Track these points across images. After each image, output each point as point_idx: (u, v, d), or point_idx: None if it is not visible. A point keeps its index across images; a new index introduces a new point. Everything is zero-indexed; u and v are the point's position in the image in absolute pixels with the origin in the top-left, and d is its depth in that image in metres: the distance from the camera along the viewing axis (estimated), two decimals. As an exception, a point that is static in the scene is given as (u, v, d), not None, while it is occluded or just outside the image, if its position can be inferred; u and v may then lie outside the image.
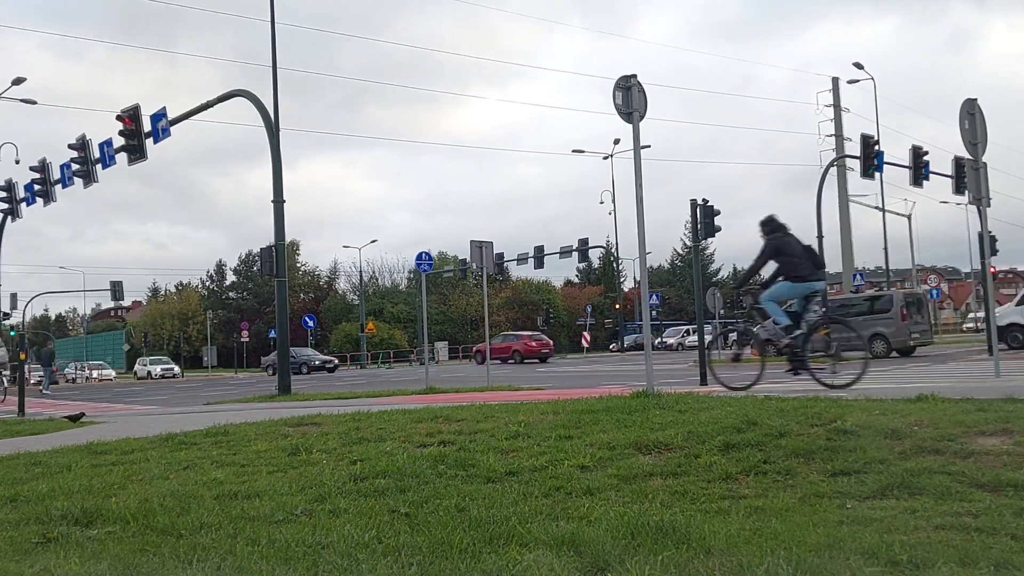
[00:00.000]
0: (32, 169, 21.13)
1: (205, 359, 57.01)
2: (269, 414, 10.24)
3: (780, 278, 10.26)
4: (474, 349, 46.93)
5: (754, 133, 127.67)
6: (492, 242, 19.70)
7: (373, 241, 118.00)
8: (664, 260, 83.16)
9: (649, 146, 46.38)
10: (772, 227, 10.39)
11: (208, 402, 17.89)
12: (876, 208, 45.17)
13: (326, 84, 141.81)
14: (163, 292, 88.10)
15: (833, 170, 34.68)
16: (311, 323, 49.33)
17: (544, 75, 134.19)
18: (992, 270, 19.03)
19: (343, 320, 69.02)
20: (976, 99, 12.66)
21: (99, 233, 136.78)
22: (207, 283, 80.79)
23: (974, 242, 40.12)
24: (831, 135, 41.90)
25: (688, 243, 68.16)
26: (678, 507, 4.42)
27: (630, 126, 10.25)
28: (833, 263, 50.45)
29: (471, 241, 19.48)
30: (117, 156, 19.20)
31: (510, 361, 41.36)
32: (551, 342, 44.90)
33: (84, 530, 4.47)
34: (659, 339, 55.87)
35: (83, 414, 12.50)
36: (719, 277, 75.39)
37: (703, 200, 19.84)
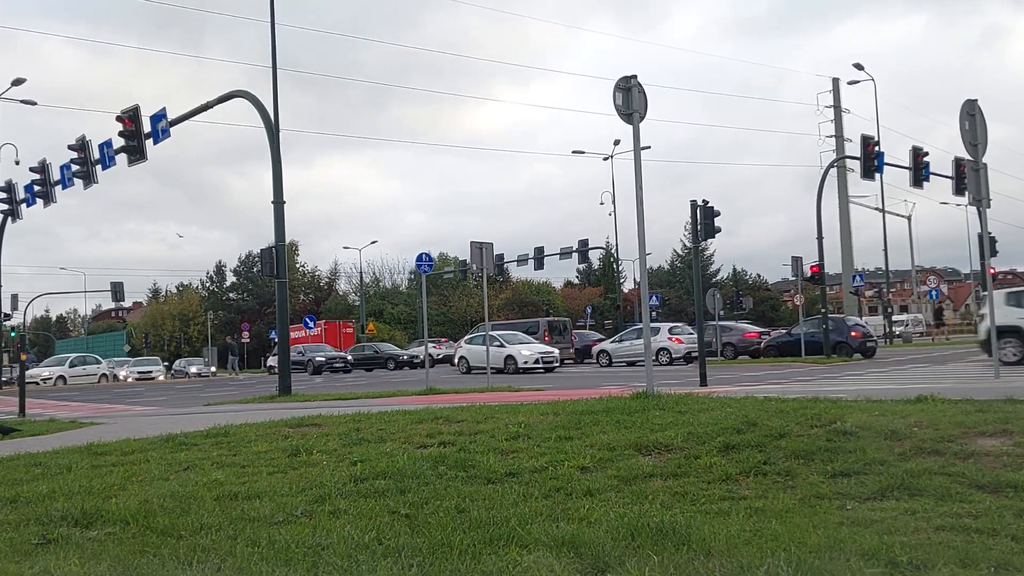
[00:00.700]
0: (32, 170, 21.15)
1: (205, 359, 57.03)
2: (269, 415, 10.24)
3: None
4: None
5: (778, 132, 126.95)
6: (492, 243, 19.71)
7: (373, 242, 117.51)
8: (664, 261, 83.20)
9: (649, 147, 46.45)
10: None
11: (208, 403, 17.88)
12: (876, 209, 45.24)
13: (352, 81, 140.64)
14: (164, 293, 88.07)
15: (833, 171, 34.69)
16: (311, 324, 49.34)
17: (567, 73, 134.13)
18: (991, 271, 19.05)
19: (343, 320, 68.98)
20: (976, 100, 12.65)
21: (114, 232, 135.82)
22: (207, 284, 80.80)
23: (974, 243, 40.16)
24: (831, 136, 41.95)
25: (688, 244, 68.17)
26: (678, 508, 4.42)
27: (631, 127, 10.28)
28: (833, 264, 50.47)
29: (471, 242, 19.47)
30: (117, 157, 19.21)
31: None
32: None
33: (84, 531, 4.47)
34: (659, 340, 55.71)
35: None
36: (719, 278, 75.33)
37: (703, 201, 19.88)
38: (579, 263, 53.04)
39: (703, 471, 5.24)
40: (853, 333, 27.24)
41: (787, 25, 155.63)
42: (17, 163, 28.18)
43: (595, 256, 63.21)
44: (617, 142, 52.17)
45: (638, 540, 3.81)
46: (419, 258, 21.13)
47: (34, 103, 30.27)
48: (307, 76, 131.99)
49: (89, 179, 19.69)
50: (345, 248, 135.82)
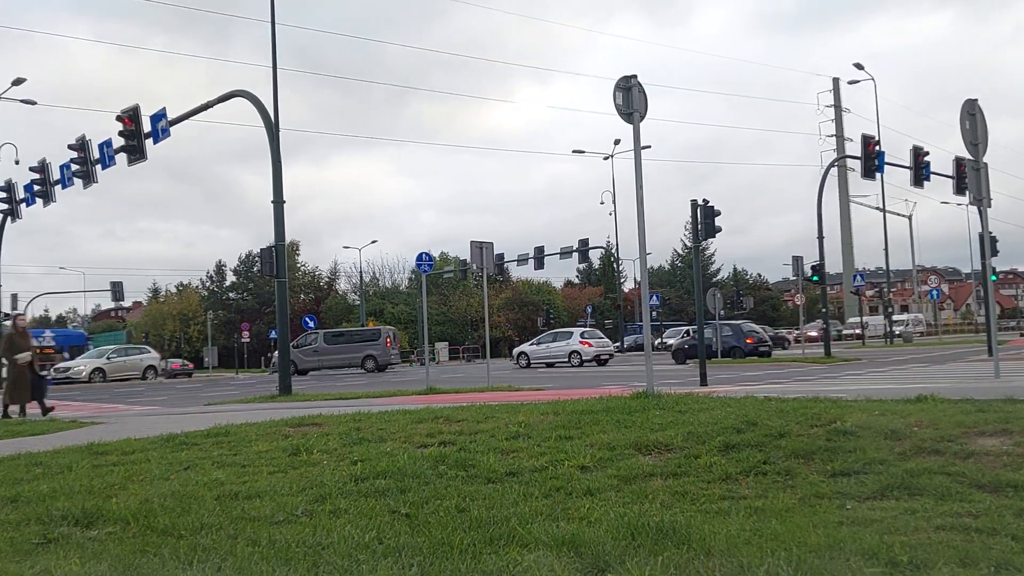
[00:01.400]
0: (32, 169, 21.17)
1: (206, 360, 56.99)
2: (270, 415, 10.24)
3: None
4: None
5: (801, 130, 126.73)
6: (492, 243, 19.71)
7: (373, 241, 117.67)
8: (665, 261, 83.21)
9: (649, 146, 46.41)
10: None
11: (209, 403, 17.87)
12: (877, 209, 45.26)
13: (374, 77, 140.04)
14: (163, 293, 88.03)
15: (834, 171, 34.69)
16: (311, 324, 49.34)
17: (585, 75, 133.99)
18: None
19: (344, 321, 68.95)
20: (976, 100, 12.64)
21: (128, 231, 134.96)
22: (207, 284, 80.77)
23: (975, 243, 40.15)
24: (832, 135, 41.95)
25: (688, 243, 68.15)
26: (678, 508, 4.43)
27: (631, 127, 10.29)
28: (834, 264, 50.47)
29: (471, 242, 19.47)
30: (117, 156, 19.22)
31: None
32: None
33: (85, 531, 4.47)
34: (659, 340, 55.85)
35: None
36: (719, 278, 75.34)
37: (703, 201, 19.90)
38: (579, 263, 53.01)
39: (703, 471, 5.25)
40: (748, 340, 31.27)
41: (813, 22, 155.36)
42: (17, 163, 28.20)
43: (595, 256, 63.28)
44: (617, 141, 52.08)
45: (638, 540, 3.81)
46: (419, 258, 21.13)
47: (34, 103, 30.26)
48: (331, 73, 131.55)
49: (89, 179, 19.70)
50: (345, 247, 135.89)
